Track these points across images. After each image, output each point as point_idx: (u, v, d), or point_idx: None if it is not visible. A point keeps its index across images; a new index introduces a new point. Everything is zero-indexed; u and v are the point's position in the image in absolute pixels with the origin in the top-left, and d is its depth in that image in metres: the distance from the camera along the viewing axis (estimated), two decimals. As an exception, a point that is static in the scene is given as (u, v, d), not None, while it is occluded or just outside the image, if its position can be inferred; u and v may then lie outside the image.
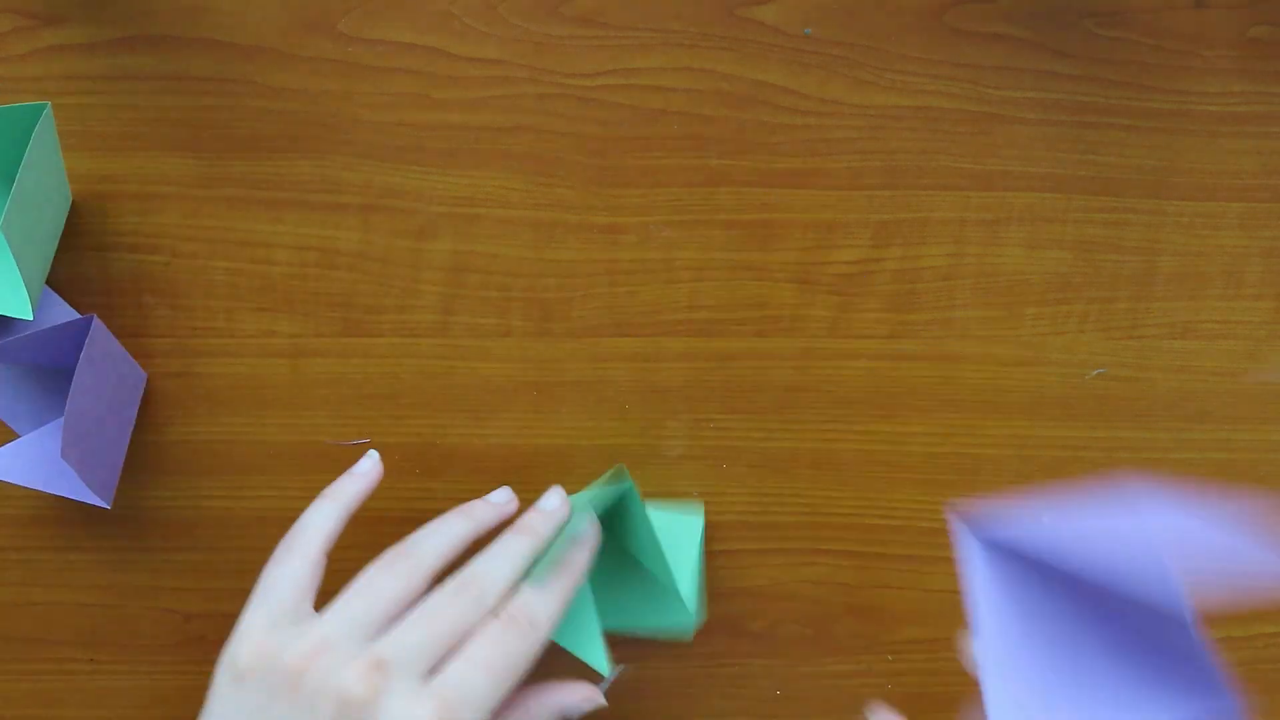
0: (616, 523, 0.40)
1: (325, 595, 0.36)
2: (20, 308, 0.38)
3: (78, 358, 0.37)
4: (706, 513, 0.45)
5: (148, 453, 0.43)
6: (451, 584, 0.35)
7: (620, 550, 0.41)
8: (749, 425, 0.45)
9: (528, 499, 0.45)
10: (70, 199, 0.42)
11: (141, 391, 0.42)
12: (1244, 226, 0.44)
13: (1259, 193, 0.44)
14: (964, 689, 0.46)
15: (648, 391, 0.44)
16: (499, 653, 0.33)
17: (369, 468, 0.39)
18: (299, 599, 0.35)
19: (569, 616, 0.40)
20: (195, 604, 0.45)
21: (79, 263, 0.42)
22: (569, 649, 0.40)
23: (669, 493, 0.45)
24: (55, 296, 0.42)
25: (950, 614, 0.46)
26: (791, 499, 0.45)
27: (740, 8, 0.41)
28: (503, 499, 0.40)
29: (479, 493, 0.45)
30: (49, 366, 0.41)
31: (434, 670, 0.33)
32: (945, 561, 0.46)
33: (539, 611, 0.35)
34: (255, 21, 0.41)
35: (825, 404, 0.44)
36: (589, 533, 0.38)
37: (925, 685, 0.46)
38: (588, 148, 0.42)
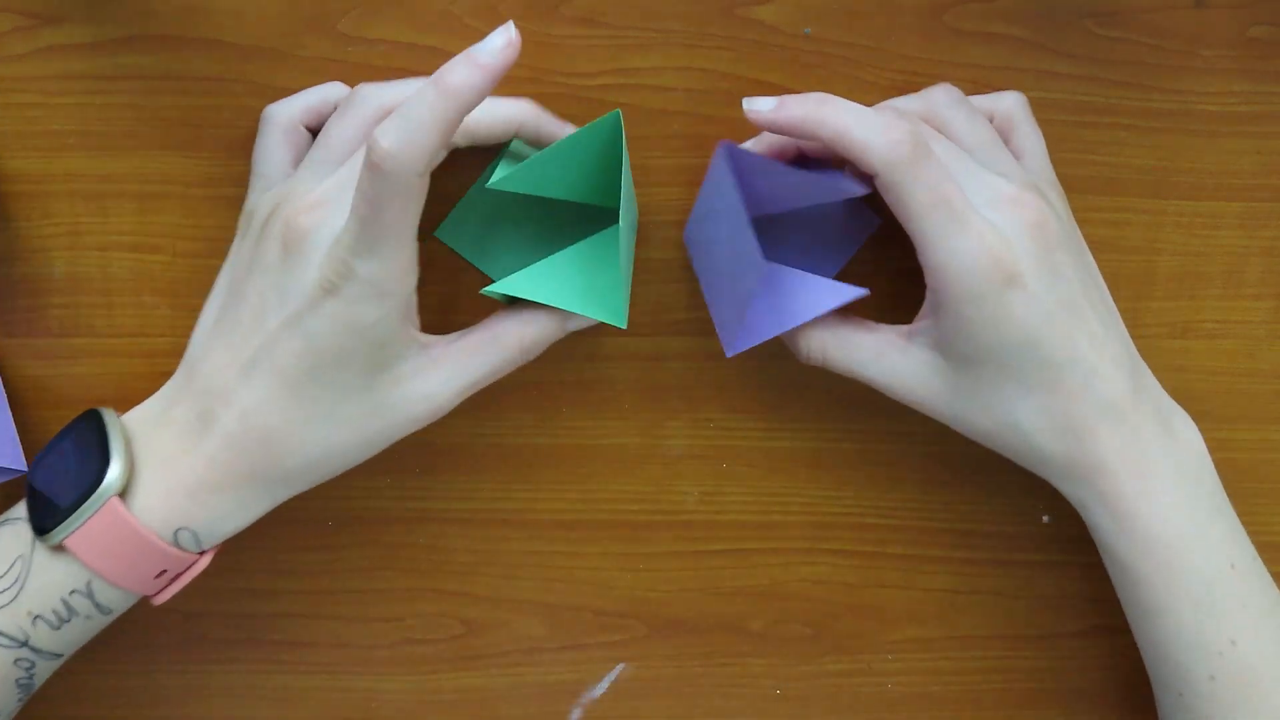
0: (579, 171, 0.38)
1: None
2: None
3: None
4: (706, 512, 0.45)
5: (148, 453, 0.43)
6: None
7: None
8: (749, 425, 0.45)
9: (527, 499, 0.45)
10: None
11: None
12: (1244, 226, 0.44)
13: (1259, 193, 0.44)
14: (964, 689, 0.46)
15: (648, 391, 0.44)
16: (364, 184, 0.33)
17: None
18: (283, 167, 0.40)
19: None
20: (195, 604, 0.45)
21: (79, 263, 0.42)
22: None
23: (669, 492, 0.45)
24: None
25: (950, 614, 0.46)
26: (791, 499, 0.45)
27: (740, 7, 0.41)
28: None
29: (478, 492, 0.45)
30: None
31: None
32: (945, 561, 0.46)
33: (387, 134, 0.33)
34: (255, 21, 0.41)
35: (825, 404, 0.44)
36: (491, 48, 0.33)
37: (925, 685, 0.46)
38: (588, 148, 0.42)
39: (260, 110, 0.41)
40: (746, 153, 0.37)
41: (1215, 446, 0.45)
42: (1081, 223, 0.43)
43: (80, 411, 0.39)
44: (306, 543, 0.45)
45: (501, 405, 0.44)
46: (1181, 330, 0.45)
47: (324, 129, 0.39)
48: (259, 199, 0.39)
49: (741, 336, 0.40)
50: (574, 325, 0.40)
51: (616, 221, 0.38)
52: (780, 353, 0.44)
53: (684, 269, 0.43)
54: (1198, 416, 0.44)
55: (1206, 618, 0.38)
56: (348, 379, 0.36)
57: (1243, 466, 0.45)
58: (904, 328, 0.39)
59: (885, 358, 0.39)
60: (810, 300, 0.39)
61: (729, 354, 0.40)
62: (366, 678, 0.45)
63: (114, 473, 0.36)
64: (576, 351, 0.44)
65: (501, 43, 0.33)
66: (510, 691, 0.46)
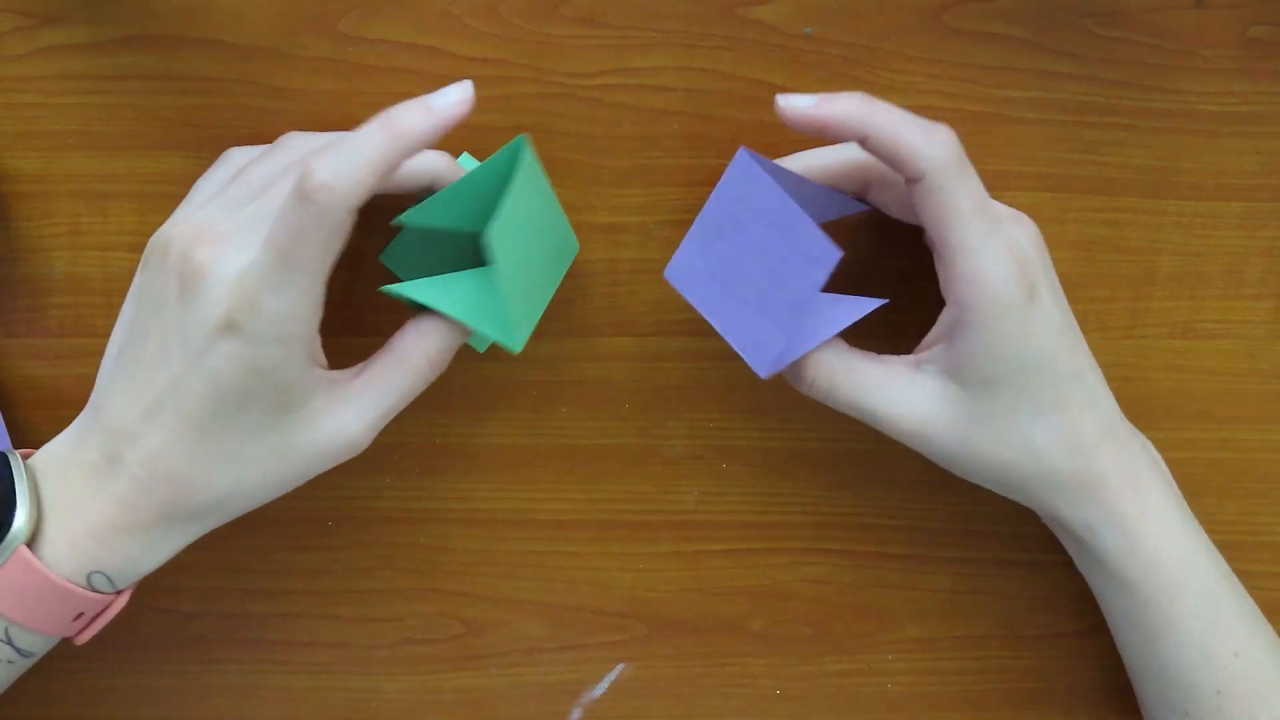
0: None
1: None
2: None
3: None
4: (706, 512, 0.45)
5: (148, 453, 0.43)
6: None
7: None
8: (749, 425, 0.45)
9: (527, 499, 0.45)
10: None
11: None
12: (1244, 226, 0.44)
13: (1259, 193, 0.44)
14: (964, 689, 0.46)
15: (648, 391, 0.44)
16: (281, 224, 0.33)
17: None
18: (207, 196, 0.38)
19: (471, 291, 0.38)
20: (195, 604, 0.45)
21: (79, 263, 0.42)
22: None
23: (669, 492, 0.45)
24: None
25: (950, 614, 0.46)
26: (791, 499, 0.45)
27: (740, 7, 0.41)
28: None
29: (478, 492, 0.45)
30: None
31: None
32: (945, 561, 0.46)
33: (320, 170, 0.32)
34: (255, 21, 0.41)
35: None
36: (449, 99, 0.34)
37: (925, 685, 0.46)
38: (588, 148, 0.42)
39: (260, 110, 0.41)
40: (764, 159, 0.37)
41: (1215, 446, 0.45)
42: (1082, 223, 0.43)
43: (79, 412, 0.38)
44: (306, 543, 0.45)
45: (501, 405, 0.44)
46: (1181, 330, 0.45)
47: (245, 166, 0.38)
48: (169, 230, 0.36)
49: (786, 350, 0.37)
50: (474, 339, 0.38)
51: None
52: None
53: (684, 269, 0.43)
54: (1198, 416, 0.44)
55: (1212, 631, 0.38)
56: (253, 420, 0.35)
57: (1243, 466, 0.45)
58: (909, 358, 0.39)
59: (893, 388, 0.38)
60: (835, 314, 0.38)
61: (766, 375, 0.38)
62: (366, 678, 0.45)
63: (19, 521, 0.35)
64: (577, 352, 0.44)
65: (457, 97, 0.34)
66: (510, 691, 0.46)
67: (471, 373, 0.44)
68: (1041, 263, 0.37)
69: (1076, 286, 0.44)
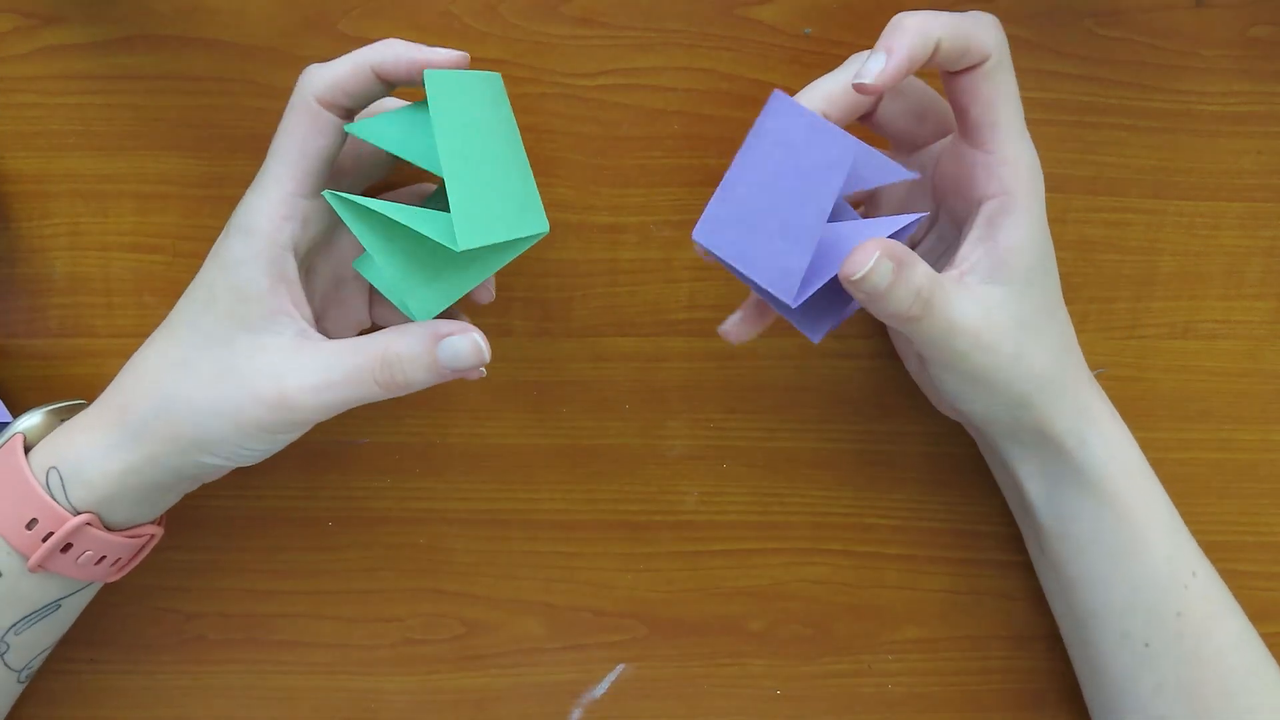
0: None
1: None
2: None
3: None
4: (706, 513, 0.45)
5: (148, 453, 0.43)
6: None
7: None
8: (749, 425, 0.45)
9: (528, 499, 0.45)
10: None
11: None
12: (1244, 226, 0.44)
13: (1259, 193, 0.44)
14: (964, 689, 0.46)
15: (648, 391, 0.44)
16: None
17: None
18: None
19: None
20: (195, 604, 0.45)
21: (79, 263, 0.42)
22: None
23: (669, 492, 0.45)
24: None
25: (950, 614, 0.46)
26: (791, 499, 0.45)
27: (740, 8, 0.41)
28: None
29: (478, 492, 0.45)
30: None
31: None
32: (945, 561, 0.46)
33: None
34: (255, 21, 0.41)
35: (825, 404, 0.44)
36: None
37: (925, 685, 0.46)
38: (588, 148, 0.42)
39: (260, 110, 0.41)
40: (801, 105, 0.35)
41: (1215, 446, 0.45)
42: (1082, 223, 0.43)
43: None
44: (306, 543, 0.45)
45: (501, 405, 0.44)
46: (1182, 330, 0.45)
47: None
48: None
49: (814, 272, 0.35)
50: (445, 358, 0.35)
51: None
52: (780, 353, 0.44)
53: (684, 269, 0.43)
54: (1198, 416, 0.44)
55: (1176, 548, 0.39)
56: (209, 325, 0.36)
57: (1243, 466, 0.45)
58: (952, 273, 0.37)
59: (959, 297, 0.35)
60: (863, 230, 0.35)
61: (796, 303, 0.34)
62: (366, 678, 0.45)
63: (31, 420, 0.39)
64: (577, 352, 0.44)
65: (445, 53, 0.35)
66: (510, 691, 0.46)
67: (471, 373, 0.44)
68: None
69: (1077, 286, 0.44)
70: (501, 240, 0.35)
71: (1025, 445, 0.40)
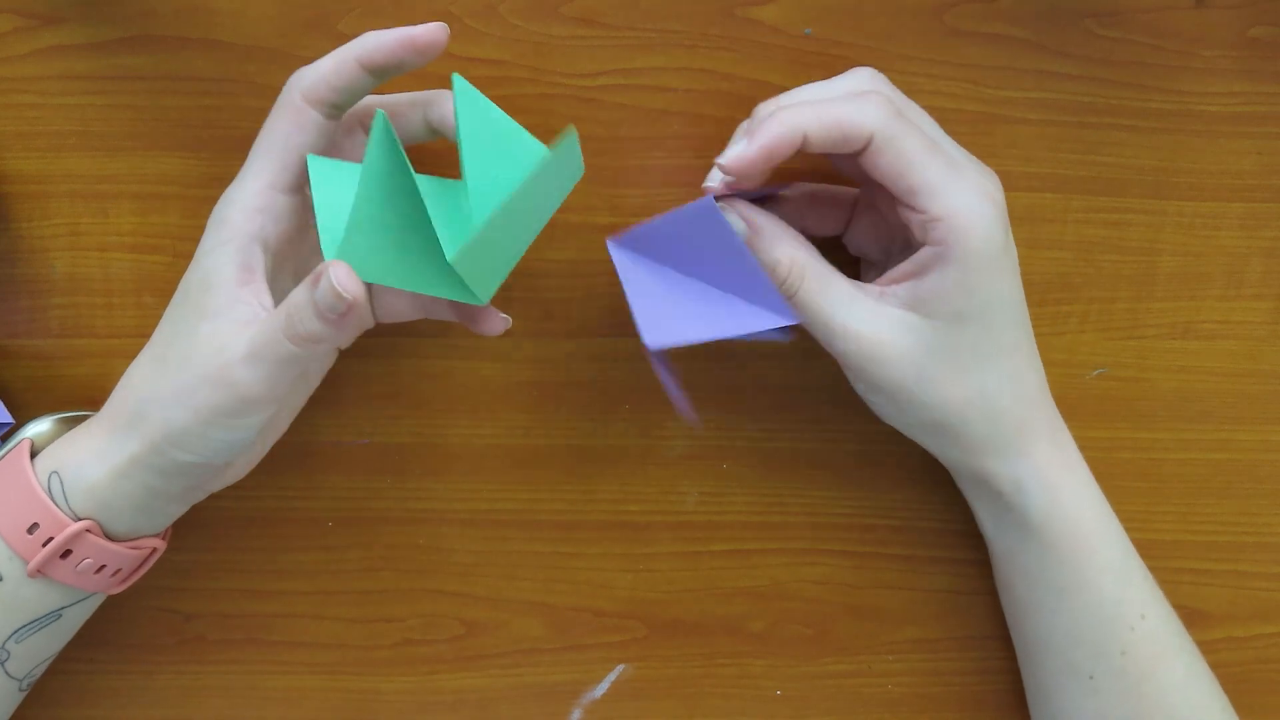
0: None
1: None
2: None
3: None
4: (706, 513, 0.45)
5: (148, 453, 0.43)
6: None
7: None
8: (749, 425, 0.45)
9: (527, 499, 0.45)
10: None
11: None
12: (1244, 226, 0.44)
13: (1259, 193, 0.44)
14: (965, 689, 0.46)
15: (648, 391, 0.44)
16: None
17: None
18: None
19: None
20: (195, 604, 0.45)
21: (79, 263, 0.42)
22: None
23: (669, 492, 0.45)
24: None
25: (950, 614, 0.46)
26: (791, 499, 0.45)
27: (740, 8, 0.41)
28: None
29: (478, 492, 0.45)
30: None
31: None
32: (945, 561, 0.46)
33: None
34: (254, 21, 0.41)
35: (825, 404, 0.44)
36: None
37: (925, 685, 0.46)
38: (588, 148, 0.42)
39: (260, 110, 0.40)
40: (726, 206, 0.37)
41: (1215, 447, 0.45)
42: (1082, 223, 0.43)
43: (79, 411, 0.39)
44: (306, 543, 0.45)
45: (501, 405, 0.44)
46: (1182, 330, 0.45)
47: None
48: None
49: (685, 333, 0.37)
50: (318, 297, 0.33)
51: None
52: (780, 353, 0.44)
53: (684, 269, 0.43)
54: (1198, 417, 0.44)
55: (1123, 591, 0.39)
56: (179, 318, 0.37)
57: (1243, 466, 0.45)
58: (872, 287, 0.38)
59: (859, 306, 0.37)
60: (746, 319, 0.37)
61: (653, 347, 0.37)
62: (366, 678, 0.45)
63: (40, 426, 0.40)
64: (577, 352, 0.44)
65: (428, 30, 0.36)
66: (510, 692, 0.46)
67: (472, 373, 0.44)
68: (1004, 208, 0.38)
69: (1077, 287, 0.44)
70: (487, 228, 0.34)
71: (965, 480, 0.41)
